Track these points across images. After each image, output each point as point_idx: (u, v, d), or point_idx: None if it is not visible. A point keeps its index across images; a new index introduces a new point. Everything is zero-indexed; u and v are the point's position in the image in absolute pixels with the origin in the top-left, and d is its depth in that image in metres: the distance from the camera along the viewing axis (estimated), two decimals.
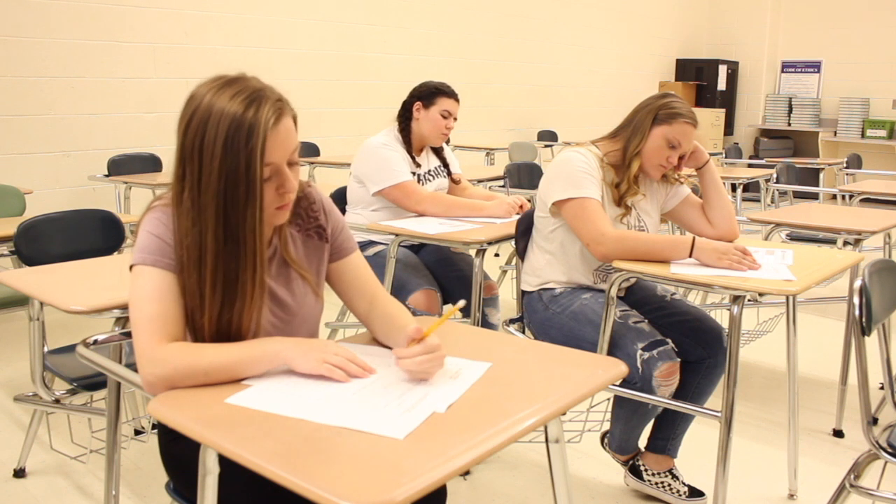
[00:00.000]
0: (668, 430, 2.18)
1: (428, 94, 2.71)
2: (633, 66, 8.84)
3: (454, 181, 2.88)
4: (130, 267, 1.26)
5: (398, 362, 1.20)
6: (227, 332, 1.26)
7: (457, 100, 2.74)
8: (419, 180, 2.72)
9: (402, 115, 2.74)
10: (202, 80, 1.26)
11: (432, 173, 2.81)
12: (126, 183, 4.07)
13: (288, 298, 1.38)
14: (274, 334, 1.32)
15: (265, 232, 1.26)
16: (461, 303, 1.26)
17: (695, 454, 2.37)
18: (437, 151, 2.87)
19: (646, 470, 2.21)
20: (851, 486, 1.59)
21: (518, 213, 2.57)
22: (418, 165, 2.73)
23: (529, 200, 2.69)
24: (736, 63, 9.47)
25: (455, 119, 2.75)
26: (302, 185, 1.40)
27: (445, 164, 2.87)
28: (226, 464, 1.03)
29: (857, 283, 1.61)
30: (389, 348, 1.37)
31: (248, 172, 1.19)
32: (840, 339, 2.92)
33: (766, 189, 5.43)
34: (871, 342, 1.64)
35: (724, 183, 2.31)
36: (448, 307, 2.69)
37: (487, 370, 1.25)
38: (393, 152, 2.66)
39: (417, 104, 2.71)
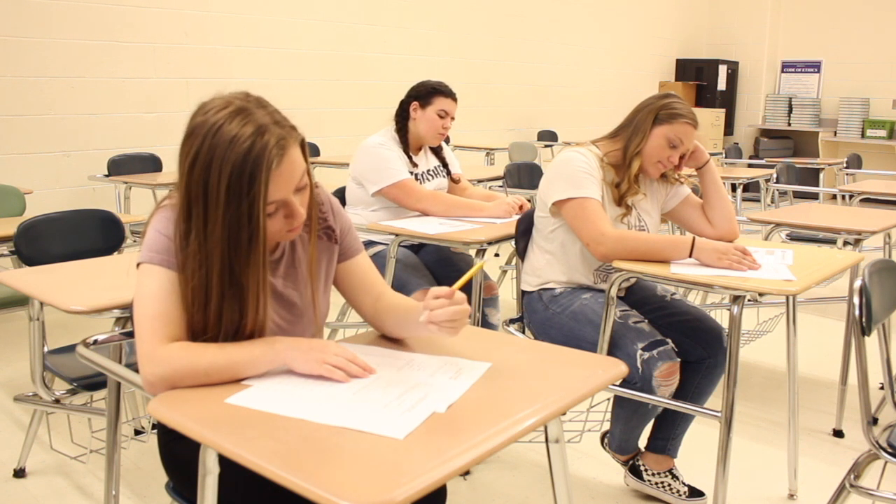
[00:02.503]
0: (668, 430, 2.18)
1: (425, 93, 2.70)
2: (633, 66, 8.84)
3: (454, 181, 2.88)
4: (138, 265, 1.26)
5: (429, 315, 1.22)
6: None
7: (454, 99, 2.73)
8: (417, 180, 2.72)
9: (400, 114, 2.74)
10: (205, 101, 1.22)
11: (431, 173, 2.80)
12: (126, 183, 4.06)
13: (296, 300, 1.38)
14: (280, 335, 1.32)
15: (268, 274, 1.26)
16: (481, 262, 1.29)
17: (695, 454, 2.37)
18: (437, 151, 2.87)
19: (646, 470, 2.21)
20: (851, 486, 1.59)
21: (518, 214, 2.57)
22: (415, 165, 2.73)
23: (529, 200, 2.69)
24: (736, 63, 9.47)
25: (452, 119, 2.74)
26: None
27: (445, 164, 2.87)
28: (226, 464, 1.03)
29: (857, 283, 1.61)
30: (396, 343, 1.39)
31: (251, 218, 1.17)
32: (840, 339, 2.92)
33: (766, 189, 5.43)
34: (871, 342, 1.64)
35: (724, 183, 2.31)
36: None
37: (487, 370, 1.25)
38: (390, 152, 2.66)
39: (414, 104, 2.71)
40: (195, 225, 1.20)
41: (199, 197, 1.19)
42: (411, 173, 2.68)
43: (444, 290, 1.23)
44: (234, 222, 1.18)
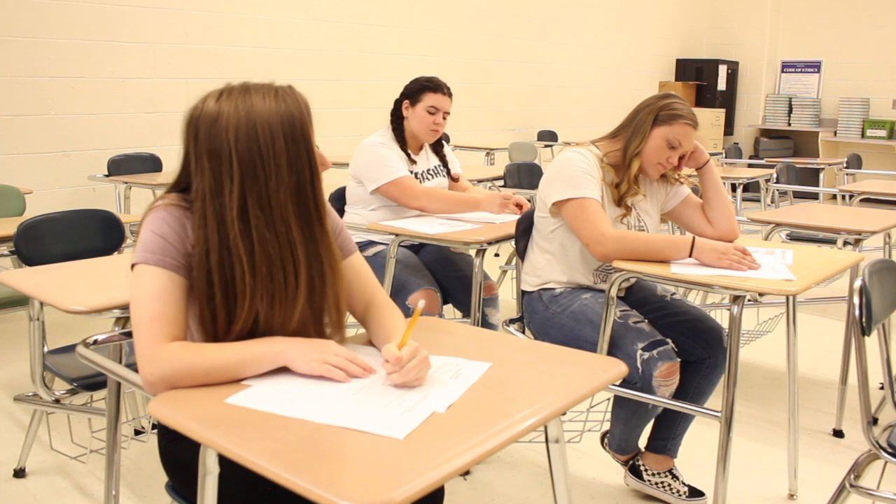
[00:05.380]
0: (668, 430, 2.18)
1: (415, 90, 2.68)
2: (633, 66, 8.84)
3: (453, 180, 2.87)
4: (132, 266, 1.26)
5: (387, 379, 1.18)
6: (255, 334, 1.27)
7: (444, 93, 2.69)
8: (417, 178, 2.71)
9: (394, 113, 2.74)
10: (205, 95, 1.25)
11: (431, 172, 2.80)
12: (126, 183, 4.07)
13: None
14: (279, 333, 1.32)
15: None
16: (422, 304, 1.26)
17: (695, 454, 2.37)
18: (437, 150, 2.86)
19: (646, 470, 2.21)
20: (851, 486, 1.59)
21: (518, 213, 2.57)
22: (414, 163, 2.72)
23: (529, 200, 2.68)
24: (736, 63, 9.47)
25: (446, 114, 2.71)
26: None
27: (445, 163, 2.86)
28: (226, 464, 1.03)
29: (857, 283, 1.61)
30: None
31: (311, 159, 1.24)
32: (840, 339, 2.92)
33: (766, 189, 5.43)
34: (871, 342, 1.64)
35: (724, 183, 2.31)
36: (422, 304, 2.68)
37: (487, 370, 1.25)
38: (388, 150, 2.66)
39: (406, 102, 2.70)
40: (238, 195, 1.21)
41: (252, 161, 1.21)
42: (411, 171, 2.68)
43: (392, 353, 1.17)
44: (297, 167, 1.23)
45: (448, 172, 2.86)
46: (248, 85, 1.25)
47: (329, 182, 2.68)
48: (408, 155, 2.71)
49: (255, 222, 1.22)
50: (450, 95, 2.72)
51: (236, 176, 1.21)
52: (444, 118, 2.72)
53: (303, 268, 1.26)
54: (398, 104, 2.73)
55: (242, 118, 1.21)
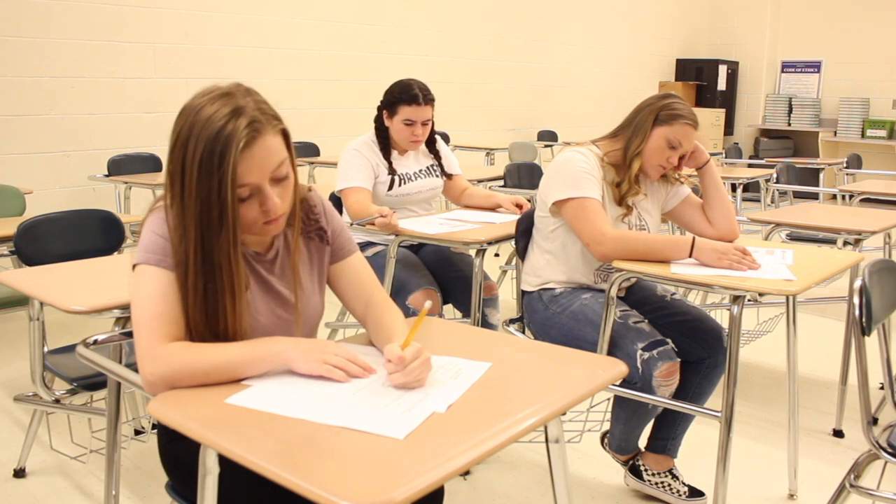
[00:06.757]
0: (668, 430, 2.18)
1: (391, 102, 2.65)
2: (633, 66, 8.84)
3: (448, 177, 2.85)
4: (133, 266, 1.26)
5: (388, 378, 1.18)
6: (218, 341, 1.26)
7: (420, 103, 2.61)
8: (400, 182, 2.69)
9: (377, 119, 2.72)
10: (199, 90, 1.25)
11: (421, 173, 2.77)
12: (126, 183, 4.07)
13: (292, 299, 1.38)
14: (276, 333, 1.32)
15: (241, 256, 1.26)
16: (428, 304, 1.26)
17: (695, 454, 2.37)
18: (432, 149, 2.84)
19: (646, 470, 2.21)
20: (851, 486, 1.59)
21: (518, 213, 2.57)
22: (393, 171, 2.69)
23: (529, 200, 2.68)
24: (736, 63, 9.47)
25: (426, 121, 2.65)
26: (302, 189, 1.40)
27: (440, 163, 2.84)
28: (226, 464, 1.03)
29: (857, 283, 1.61)
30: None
31: (220, 197, 1.19)
32: (840, 339, 2.92)
33: (766, 189, 5.43)
34: (871, 342, 1.64)
35: (724, 183, 2.31)
36: (427, 305, 2.68)
37: (487, 370, 1.25)
38: (357, 157, 2.65)
39: (385, 112, 2.67)
40: (175, 201, 1.23)
41: (176, 172, 1.22)
42: (390, 176, 2.66)
43: (395, 352, 1.16)
44: (206, 199, 1.19)
45: (443, 171, 2.84)
46: (221, 95, 1.22)
47: (329, 182, 2.69)
48: (389, 161, 2.69)
49: (174, 230, 1.23)
50: (428, 102, 2.64)
51: (169, 168, 1.24)
52: (426, 124, 2.67)
53: (190, 290, 1.23)
54: (379, 111, 2.71)
55: (185, 130, 1.20)
